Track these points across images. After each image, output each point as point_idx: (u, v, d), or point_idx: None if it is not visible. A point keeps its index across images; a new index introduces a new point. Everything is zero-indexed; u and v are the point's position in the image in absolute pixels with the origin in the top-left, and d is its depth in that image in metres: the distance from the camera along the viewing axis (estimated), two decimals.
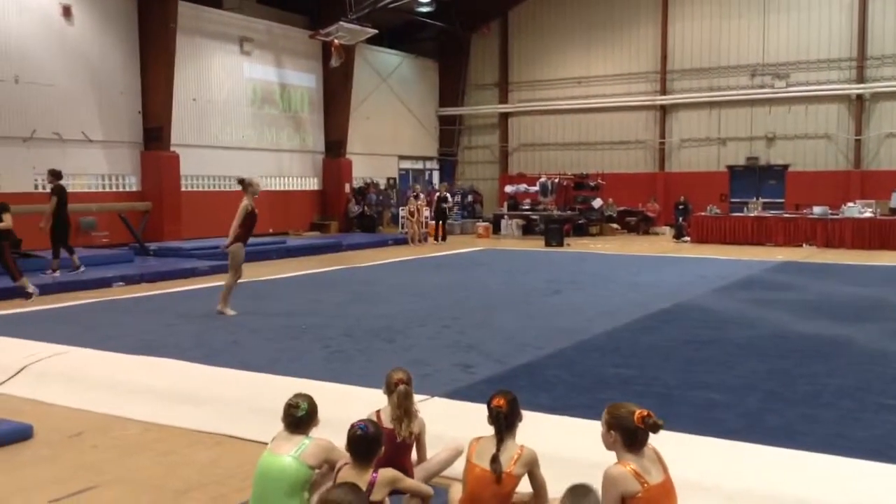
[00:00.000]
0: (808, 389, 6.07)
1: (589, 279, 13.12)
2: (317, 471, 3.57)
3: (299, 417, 3.64)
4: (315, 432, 3.73)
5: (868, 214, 18.79)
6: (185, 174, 19.80)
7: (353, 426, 3.42)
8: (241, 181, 9.70)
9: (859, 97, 23.37)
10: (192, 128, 20.23)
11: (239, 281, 9.77)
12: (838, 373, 6.59)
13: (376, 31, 23.23)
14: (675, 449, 4.38)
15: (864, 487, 4.10)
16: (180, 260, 15.49)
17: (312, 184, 24.55)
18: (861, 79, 23.28)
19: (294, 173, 23.94)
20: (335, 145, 24.72)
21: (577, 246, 20.16)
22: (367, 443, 3.38)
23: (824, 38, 23.69)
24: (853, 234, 18.53)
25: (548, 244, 20.27)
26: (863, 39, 23.16)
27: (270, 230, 21.38)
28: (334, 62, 22.55)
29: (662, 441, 4.24)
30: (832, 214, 19.30)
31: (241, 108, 21.91)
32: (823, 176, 23.47)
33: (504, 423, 3.48)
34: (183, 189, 19.67)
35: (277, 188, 23.03)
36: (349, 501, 2.79)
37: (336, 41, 22.16)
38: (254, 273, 14.14)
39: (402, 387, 3.96)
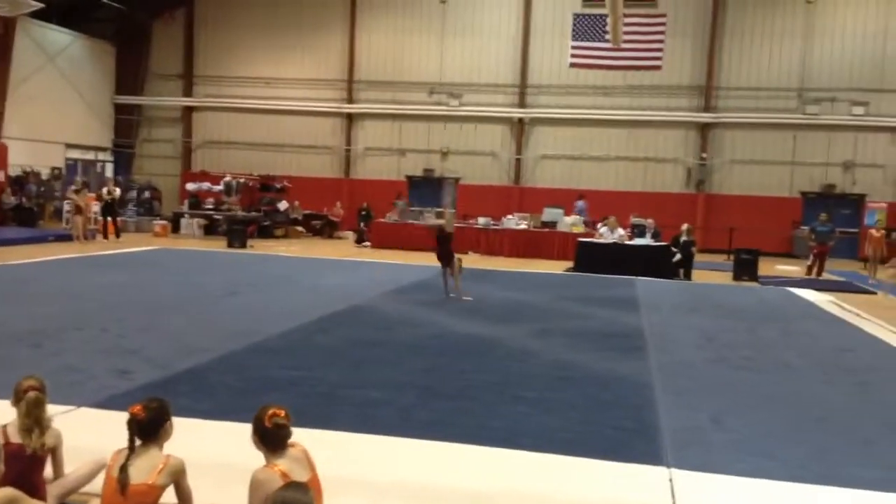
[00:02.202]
0: (459, 385, 6.63)
1: (270, 281, 13.04)
2: None
3: None
4: None
5: (523, 226, 21.00)
6: None
7: None
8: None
9: (520, 120, 26.10)
10: None
11: None
12: (485, 369, 7.27)
13: (42, 6, 20.89)
14: (332, 447, 4.54)
15: (497, 472, 4.58)
16: None
17: None
18: (522, 104, 26.02)
19: None
20: None
21: (260, 248, 19.92)
22: None
23: (493, 64, 26.10)
24: (511, 243, 20.59)
25: (230, 245, 19.78)
26: (525, 69, 25.92)
27: None
28: None
29: (320, 440, 4.37)
30: (494, 225, 21.27)
31: None
32: (490, 189, 25.82)
33: (137, 431, 3.33)
34: None
35: None
36: None
37: None
38: None
39: (31, 393, 3.63)
